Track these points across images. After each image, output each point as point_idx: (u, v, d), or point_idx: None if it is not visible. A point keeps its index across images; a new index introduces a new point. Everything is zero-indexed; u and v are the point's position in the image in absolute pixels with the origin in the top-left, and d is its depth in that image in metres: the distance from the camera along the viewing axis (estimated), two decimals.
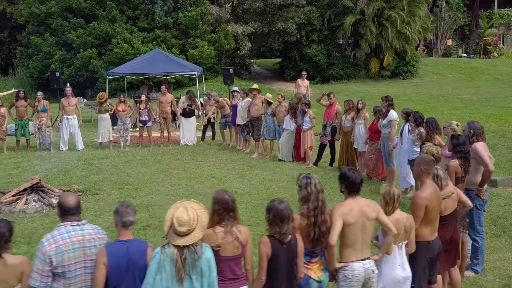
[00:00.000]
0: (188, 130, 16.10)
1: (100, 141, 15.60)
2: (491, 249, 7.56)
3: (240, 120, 14.82)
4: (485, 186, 6.71)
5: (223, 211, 4.33)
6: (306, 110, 12.98)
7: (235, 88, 15.79)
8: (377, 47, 32.58)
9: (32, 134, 15.62)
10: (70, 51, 29.38)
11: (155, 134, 16.37)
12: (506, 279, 6.66)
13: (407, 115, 10.39)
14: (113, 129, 16.23)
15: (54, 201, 10.10)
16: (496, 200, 9.84)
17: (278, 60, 37.81)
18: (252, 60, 34.53)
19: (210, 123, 16.20)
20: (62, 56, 29.04)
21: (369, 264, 4.87)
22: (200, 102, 16.88)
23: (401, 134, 10.56)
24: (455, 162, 6.43)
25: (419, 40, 37.92)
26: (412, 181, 10.33)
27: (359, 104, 12.11)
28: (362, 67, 33.84)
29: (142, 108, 15.53)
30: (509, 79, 32.69)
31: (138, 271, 4.12)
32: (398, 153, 10.79)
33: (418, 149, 9.65)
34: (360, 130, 11.93)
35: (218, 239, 4.26)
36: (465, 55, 46.57)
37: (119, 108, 15.48)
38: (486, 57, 45.30)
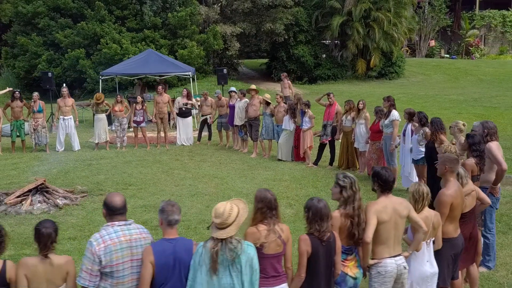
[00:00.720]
0: (185, 130, 16.10)
1: (96, 141, 15.54)
2: (500, 246, 7.74)
3: (238, 121, 14.87)
4: (499, 184, 6.88)
5: (266, 209, 4.40)
6: (306, 110, 13.10)
7: (233, 88, 15.84)
8: (364, 47, 32.87)
9: (27, 134, 15.49)
10: (57, 51, 29.13)
11: (150, 134, 16.36)
12: None
13: (409, 115, 10.57)
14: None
15: (60, 202, 10.10)
16: None
17: (265, 60, 37.93)
18: (240, 61, 34.56)
19: (206, 124, 16.22)
20: (50, 56, 28.77)
21: (401, 260, 5.00)
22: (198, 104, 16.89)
23: (403, 134, 10.72)
24: (471, 161, 6.60)
25: (405, 41, 38.33)
26: (415, 179, 10.50)
27: (359, 104, 12.27)
28: (349, 68, 34.12)
29: (138, 108, 15.50)
30: (492, 80, 33.28)
31: (184, 269, 4.18)
32: (400, 153, 10.95)
33: (424, 149, 9.82)
34: (361, 130, 12.08)
35: (262, 237, 4.33)
36: (447, 55, 47.20)
37: (116, 108, 15.44)
38: (468, 57, 45.97)
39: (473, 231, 6.06)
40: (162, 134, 15.86)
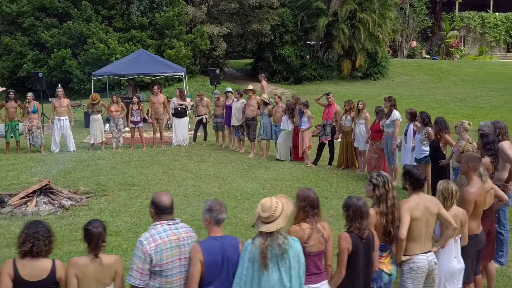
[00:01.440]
0: (181, 131, 16.11)
1: (92, 142, 15.45)
2: (510, 242, 7.94)
3: (235, 121, 14.93)
4: (511, 182, 7.09)
5: (309, 208, 4.48)
6: (304, 110, 13.22)
7: (229, 89, 15.91)
8: (350, 48, 33.19)
9: (21, 134, 15.33)
10: (43, 51, 28.83)
11: (145, 135, 16.31)
12: None
13: (411, 115, 10.78)
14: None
15: (65, 203, 10.05)
16: None
17: (250, 61, 38.03)
18: (226, 61, 34.60)
19: (202, 124, 16.24)
20: (35, 56, 28.47)
21: (432, 256, 5.14)
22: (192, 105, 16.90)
23: (405, 134, 10.92)
24: (487, 160, 6.77)
25: (389, 42, 38.79)
26: None
27: (359, 105, 12.43)
28: (334, 68, 34.42)
29: (134, 109, 15.46)
30: (474, 80, 33.91)
31: (232, 267, 4.25)
32: (402, 152, 11.13)
33: (427, 148, 10.03)
34: (361, 130, 12.25)
35: (305, 235, 4.42)
36: (428, 56, 47.88)
37: (112, 108, 15.38)
38: (449, 58, 46.69)
39: (491, 228, 6.25)
40: (158, 134, 15.84)
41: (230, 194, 10.73)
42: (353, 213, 4.60)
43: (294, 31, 33.39)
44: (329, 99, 13.11)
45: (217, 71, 19.76)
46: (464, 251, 5.58)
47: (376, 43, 32.94)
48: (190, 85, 28.03)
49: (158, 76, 21.41)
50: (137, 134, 15.77)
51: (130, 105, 15.76)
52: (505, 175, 7.05)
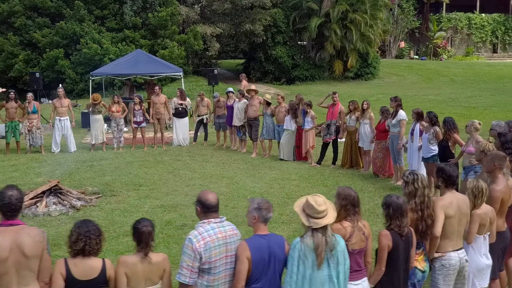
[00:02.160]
0: (181, 131, 16.11)
1: (93, 142, 15.39)
2: None
3: (237, 122, 14.97)
4: None
5: (350, 206, 4.55)
6: (308, 110, 13.32)
7: (230, 89, 15.95)
8: (341, 49, 33.37)
9: (21, 134, 15.22)
10: (34, 51, 28.59)
11: (146, 135, 16.29)
12: None
13: (418, 115, 10.94)
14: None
15: (76, 203, 10.02)
16: None
17: (241, 61, 38.06)
18: (219, 61, 34.62)
19: (202, 124, 16.26)
20: (27, 56, 28.20)
21: (463, 253, 5.24)
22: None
23: (411, 133, 11.05)
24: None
25: (380, 43, 39.07)
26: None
27: (364, 105, 12.56)
28: (326, 69, 34.57)
29: (137, 109, 15.44)
30: (464, 80, 34.30)
31: (278, 264, 4.31)
32: (408, 151, 11.27)
33: (434, 148, 10.18)
34: (366, 130, 12.37)
35: (347, 234, 4.50)
36: (417, 57, 48.33)
37: (113, 109, 15.34)
38: (437, 59, 47.17)
39: None
40: (159, 134, 15.84)
41: (239, 193, 10.77)
42: (394, 211, 4.68)
43: (286, 32, 33.50)
44: (334, 99, 13.23)
45: (215, 71, 19.80)
46: (491, 248, 5.70)
47: (367, 43, 33.19)
48: (184, 85, 27.99)
49: (155, 76, 21.32)
50: (139, 135, 15.73)
51: (132, 105, 15.73)
52: None
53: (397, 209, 4.68)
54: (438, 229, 5.01)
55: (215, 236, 4.25)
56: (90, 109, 15.57)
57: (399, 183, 11.46)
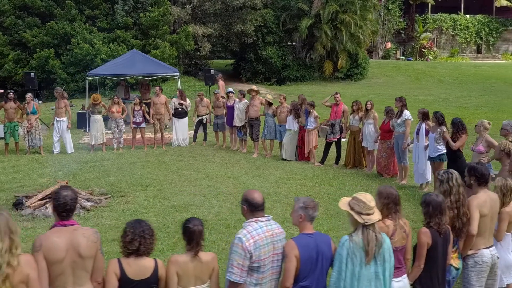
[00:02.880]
0: (181, 131, 16.09)
1: (93, 143, 15.31)
2: None
3: (237, 122, 15.00)
4: None
5: (392, 204, 4.63)
6: (311, 110, 13.42)
7: (230, 89, 15.98)
8: (331, 49, 33.57)
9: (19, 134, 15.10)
10: (24, 50, 28.29)
11: (146, 135, 16.27)
12: None
13: (423, 115, 11.09)
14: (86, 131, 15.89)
15: (86, 204, 9.98)
16: None
17: (231, 61, 38.07)
18: (210, 61, 34.61)
19: (202, 124, 16.25)
20: (16, 56, 27.88)
21: (494, 251, 5.36)
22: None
23: (417, 133, 11.19)
24: None
25: (369, 43, 39.37)
26: (429, 176, 11.02)
27: (367, 105, 12.69)
28: (316, 69, 34.74)
29: (137, 109, 15.40)
30: (451, 81, 34.74)
31: (326, 262, 4.37)
32: (414, 151, 11.41)
33: (441, 147, 10.32)
34: (370, 130, 12.50)
35: (390, 232, 4.58)
36: (403, 57, 48.79)
37: (113, 109, 15.28)
38: (423, 59, 47.68)
39: None
40: (159, 134, 15.81)
41: None
42: (433, 209, 4.77)
43: (277, 32, 33.62)
44: (337, 99, 13.34)
45: (212, 71, 19.75)
46: None
47: (357, 44, 33.44)
48: (175, 86, 27.90)
49: (151, 76, 21.26)
50: (138, 135, 15.69)
51: (132, 105, 15.69)
52: None
53: (437, 207, 4.77)
54: (474, 228, 5.12)
55: (263, 235, 4.30)
56: (90, 109, 15.47)
57: (404, 182, 11.66)
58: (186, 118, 16.23)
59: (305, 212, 4.40)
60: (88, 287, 4.02)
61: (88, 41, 26.99)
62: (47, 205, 9.92)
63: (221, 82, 21.02)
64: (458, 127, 9.81)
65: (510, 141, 7.32)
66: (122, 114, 15.48)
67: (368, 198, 4.32)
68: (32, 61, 27.64)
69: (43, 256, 3.84)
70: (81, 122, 19.24)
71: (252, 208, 4.40)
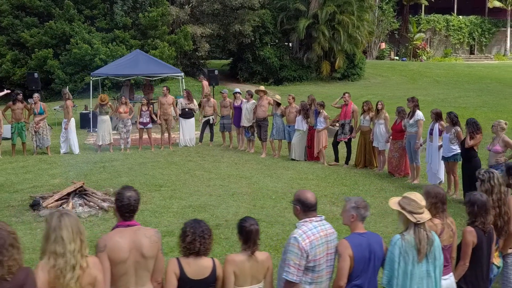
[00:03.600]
0: (188, 131, 16.09)
1: (100, 143, 15.27)
2: None
3: (245, 122, 15.03)
4: None
5: (440, 204, 4.71)
6: (320, 110, 13.49)
7: (237, 89, 16.00)
8: (329, 50, 33.69)
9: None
10: (22, 50, 28.13)
11: (154, 135, 16.25)
12: None
13: (436, 115, 11.21)
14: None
15: (105, 204, 9.97)
16: None
17: (228, 61, 38.08)
18: (207, 61, 34.60)
19: (208, 124, 16.26)
20: (14, 56, 27.76)
21: None
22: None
23: (430, 133, 11.29)
24: None
25: (366, 44, 39.56)
26: (442, 176, 11.13)
27: (378, 105, 12.78)
28: (313, 69, 34.84)
29: (144, 110, 15.39)
30: (447, 81, 34.99)
31: (378, 262, 4.43)
32: (427, 151, 11.50)
33: (455, 147, 10.44)
34: (381, 130, 12.59)
35: (438, 230, 4.64)
36: (397, 58, 49.08)
37: (121, 110, 15.25)
38: (416, 60, 47.99)
39: None
40: (166, 135, 15.81)
41: (264, 194, 10.84)
42: (479, 209, 4.85)
43: (274, 33, 33.69)
44: (345, 99, 13.42)
45: (216, 72, 19.84)
46: None
47: (354, 44, 33.60)
48: (175, 86, 27.89)
49: (155, 77, 21.24)
50: (145, 135, 15.68)
51: (140, 105, 15.68)
52: None
53: (482, 206, 4.85)
54: None
55: (318, 235, 4.34)
56: (98, 110, 15.43)
57: (416, 182, 11.75)
58: (193, 119, 16.22)
59: (357, 212, 4.45)
60: (149, 287, 4.04)
61: (87, 41, 26.93)
62: (63, 205, 9.93)
63: (204, 82, 20.99)
64: (473, 127, 9.90)
65: None
66: (129, 114, 15.45)
67: (419, 197, 4.39)
68: (31, 61, 27.54)
69: (107, 257, 3.87)
70: (84, 123, 19.17)
71: (306, 208, 4.44)
